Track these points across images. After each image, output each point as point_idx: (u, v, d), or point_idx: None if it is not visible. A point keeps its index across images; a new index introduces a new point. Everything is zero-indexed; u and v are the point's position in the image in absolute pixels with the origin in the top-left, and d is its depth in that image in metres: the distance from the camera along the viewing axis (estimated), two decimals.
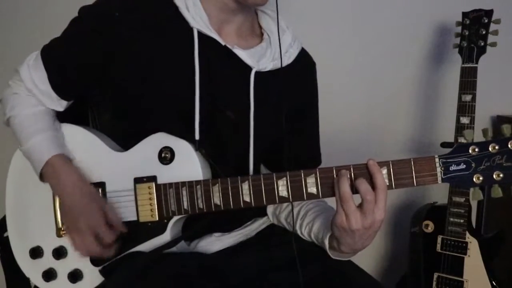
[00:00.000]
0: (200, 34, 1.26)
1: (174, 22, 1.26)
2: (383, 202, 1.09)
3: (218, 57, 1.28)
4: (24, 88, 1.33)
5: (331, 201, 1.22)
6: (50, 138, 1.29)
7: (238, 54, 1.28)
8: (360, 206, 1.10)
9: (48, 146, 1.27)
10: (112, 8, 1.25)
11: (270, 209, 1.51)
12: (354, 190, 1.10)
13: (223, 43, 1.27)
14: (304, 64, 1.44)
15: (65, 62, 1.31)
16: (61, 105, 1.35)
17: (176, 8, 1.26)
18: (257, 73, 1.30)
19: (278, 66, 1.33)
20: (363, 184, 1.09)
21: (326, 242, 1.25)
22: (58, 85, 1.32)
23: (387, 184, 1.10)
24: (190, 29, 1.26)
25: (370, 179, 1.10)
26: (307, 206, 1.39)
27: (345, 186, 1.09)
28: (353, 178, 1.11)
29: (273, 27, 1.37)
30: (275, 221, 1.51)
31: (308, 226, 1.34)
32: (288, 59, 1.36)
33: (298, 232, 1.39)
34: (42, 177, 1.28)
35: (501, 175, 1.05)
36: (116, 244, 1.25)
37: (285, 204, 1.43)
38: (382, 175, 1.09)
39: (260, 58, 1.32)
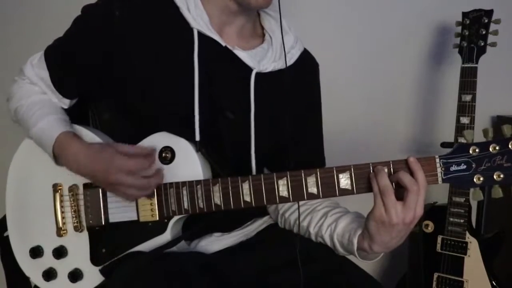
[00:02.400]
0: (200, 34, 1.26)
1: (175, 22, 1.26)
2: (423, 198, 1.09)
3: (218, 58, 1.28)
4: (29, 81, 1.35)
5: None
6: (56, 120, 1.29)
7: (239, 55, 1.28)
8: (403, 199, 1.09)
9: (57, 125, 1.28)
10: (113, 8, 1.25)
11: (274, 209, 1.50)
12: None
13: (223, 44, 1.27)
14: (306, 65, 1.45)
15: (67, 61, 1.31)
16: (64, 103, 1.37)
17: (177, 8, 1.26)
18: (258, 74, 1.30)
19: (279, 67, 1.33)
20: (407, 176, 1.08)
21: (355, 241, 1.23)
22: (60, 84, 1.33)
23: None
24: (190, 30, 1.26)
25: (410, 175, 1.09)
26: (324, 208, 1.37)
27: (385, 179, 1.08)
28: (392, 172, 1.11)
29: (275, 27, 1.37)
30: (282, 222, 1.48)
31: (330, 227, 1.32)
32: (290, 60, 1.36)
33: (312, 234, 1.37)
34: (55, 156, 1.28)
35: (501, 176, 1.05)
36: (156, 172, 1.23)
37: (294, 206, 1.42)
38: (423, 173, 1.08)
39: (261, 59, 1.32)
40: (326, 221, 1.33)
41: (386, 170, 1.10)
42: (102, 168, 1.20)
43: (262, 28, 1.41)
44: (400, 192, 1.09)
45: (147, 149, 1.23)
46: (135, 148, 1.22)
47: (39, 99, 1.34)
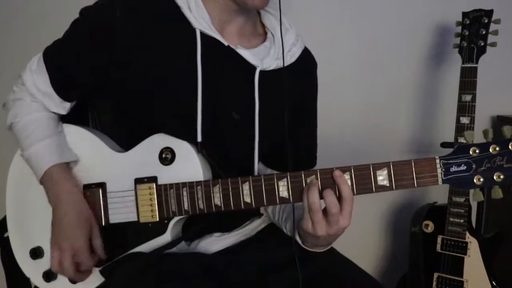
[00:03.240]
0: (203, 34, 1.26)
1: (176, 22, 1.26)
2: (349, 211, 1.12)
3: (221, 57, 1.28)
4: (28, 93, 1.33)
5: None
6: (50, 145, 1.29)
7: (242, 54, 1.28)
8: (326, 216, 1.11)
9: (48, 154, 1.27)
10: (113, 9, 1.24)
11: None
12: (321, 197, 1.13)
13: (226, 43, 1.27)
14: (306, 63, 1.45)
15: (67, 63, 1.31)
16: (64, 107, 1.35)
17: (178, 8, 1.26)
18: (261, 72, 1.30)
19: (281, 65, 1.33)
20: (329, 197, 1.10)
21: (298, 237, 1.26)
22: (60, 87, 1.31)
23: (388, 185, 1.10)
24: (193, 30, 1.26)
25: (337, 188, 1.11)
26: None
27: (314, 197, 1.11)
28: (319, 185, 1.12)
29: (276, 25, 1.37)
30: (263, 211, 1.53)
31: (285, 222, 1.37)
32: (291, 57, 1.36)
33: (274, 222, 1.44)
34: (42, 184, 1.29)
35: (501, 177, 1.05)
36: (90, 273, 1.28)
37: None
38: (348, 186, 1.11)
39: (264, 57, 1.32)
40: (284, 214, 1.39)
41: (319, 183, 1.12)
42: (67, 230, 1.24)
43: (263, 26, 1.41)
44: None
45: (104, 255, 1.27)
46: (100, 249, 1.26)
47: (35, 118, 1.32)
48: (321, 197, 1.11)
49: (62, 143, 1.32)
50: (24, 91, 1.34)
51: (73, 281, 1.28)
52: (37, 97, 1.32)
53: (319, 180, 1.13)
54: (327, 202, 1.10)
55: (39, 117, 1.33)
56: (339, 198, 1.11)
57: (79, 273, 1.25)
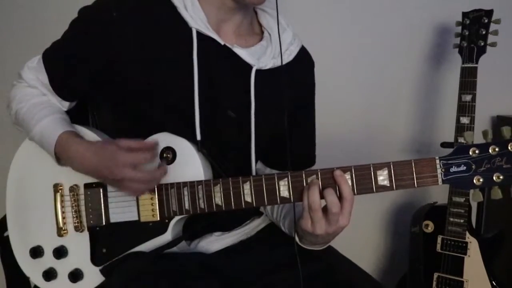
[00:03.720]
0: (199, 34, 1.26)
1: (173, 22, 1.26)
2: (349, 211, 1.12)
3: (218, 56, 1.28)
4: (28, 85, 1.35)
5: None
6: (59, 119, 1.30)
7: (238, 53, 1.28)
8: (326, 214, 1.12)
9: (58, 125, 1.27)
10: (110, 9, 1.25)
11: None
12: (321, 196, 1.13)
13: (222, 43, 1.27)
14: (304, 63, 1.45)
15: (65, 64, 1.31)
16: (63, 105, 1.36)
17: (174, 8, 1.26)
18: (257, 71, 1.30)
19: (278, 64, 1.33)
20: (330, 196, 1.11)
21: (296, 235, 1.26)
22: (59, 87, 1.32)
23: (388, 185, 1.11)
24: (189, 29, 1.26)
25: (337, 187, 1.12)
26: None
27: (315, 196, 1.11)
28: (320, 184, 1.13)
29: (273, 25, 1.38)
30: (263, 210, 1.53)
31: (283, 219, 1.38)
32: (288, 57, 1.36)
33: (273, 220, 1.45)
34: (56, 156, 1.28)
35: (501, 177, 1.06)
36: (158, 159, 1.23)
37: None
38: (348, 186, 1.11)
39: (261, 56, 1.33)
40: (283, 212, 1.39)
41: (320, 183, 1.13)
42: (106, 164, 1.19)
43: (260, 25, 1.41)
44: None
45: (149, 142, 1.22)
46: (136, 143, 1.21)
47: (39, 101, 1.33)
48: (321, 196, 1.11)
49: (69, 122, 1.33)
50: (23, 84, 1.36)
51: (159, 179, 1.23)
52: (38, 88, 1.34)
53: (319, 179, 1.13)
54: (328, 202, 1.10)
55: (43, 99, 1.34)
56: (340, 198, 1.11)
57: (155, 171, 1.21)
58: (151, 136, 1.26)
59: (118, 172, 1.17)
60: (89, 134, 1.33)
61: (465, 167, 1.07)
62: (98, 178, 1.26)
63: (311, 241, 1.22)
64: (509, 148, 1.05)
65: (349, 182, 1.11)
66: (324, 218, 1.12)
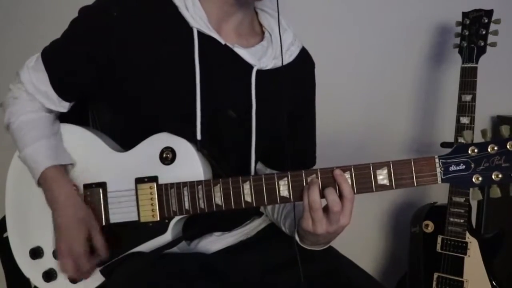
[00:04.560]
0: (200, 33, 1.26)
1: (174, 21, 1.26)
2: (349, 210, 1.12)
3: (219, 56, 1.28)
4: (25, 92, 1.33)
5: None
6: (44, 147, 1.28)
7: (239, 52, 1.28)
8: (327, 213, 1.12)
9: (42, 156, 1.27)
10: (111, 8, 1.24)
11: None
12: (322, 196, 1.13)
13: (223, 42, 1.27)
14: (304, 63, 1.45)
15: (65, 63, 1.31)
16: (63, 106, 1.35)
17: (175, 7, 1.26)
18: (258, 71, 1.30)
19: (279, 64, 1.33)
20: (331, 195, 1.11)
21: (296, 235, 1.26)
22: (59, 87, 1.31)
23: (388, 184, 1.11)
24: (190, 29, 1.26)
25: (337, 187, 1.12)
26: None
27: (315, 195, 1.11)
28: (320, 184, 1.13)
29: (274, 25, 1.38)
30: (263, 210, 1.53)
31: (283, 219, 1.38)
32: (289, 57, 1.36)
33: (273, 221, 1.45)
34: (39, 186, 1.29)
35: (499, 176, 1.06)
36: (92, 272, 1.28)
37: None
38: (348, 185, 1.12)
39: (261, 57, 1.32)
40: (283, 212, 1.39)
41: (319, 182, 1.13)
42: (66, 233, 1.24)
43: (261, 26, 1.41)
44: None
45: (106, 254, 1.27)
46: (101, 248, 1.26)
47: (30, 119, 1.32)
48: (321, 196, 1.12)
49: (58, 145, 1.32)
50: (21, 89, 1.34)
51: (74, 281, 1.28)
52: (35, 95, 1.32)
53: (319, 179, 1.13)
54: (329, 201, 1.10)
55: (34, 118, 1.33)
56: (340, 197, 1.11)
57: (80, 274, 1.26)
58: (150, 137, 1.26)
59: (65, 253, 1.24)
60: (89, 135, 1.33)
61: (464, 166, 1.07)
62: (55, 228, 1.28)
63: (312, 241, 1.22)
64: (508, 147, 1.05)
65: (349, 181, 1.11)
66: (325, 217, 1.12)
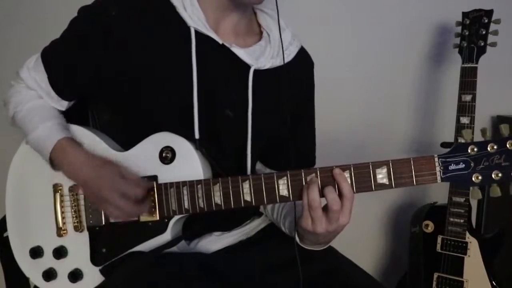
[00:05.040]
0: (198, 33, 1.26)
1: (172, 21, 1.26)
2: (349, 209, 1.12)
3: (216, 56, 1.28)
4: (26, 87, 1.35)
5: None
6: (55, 125, 1.30)
7: (236, 52, 1.28)
8: (326, 212, 1.12)
9: (55, 131, 1.28)
10: (110, 8, 1.25)
11: None
12: (321, 195, 1.13)
13: (220, 42, 1.27)
14: (303, 63, 1.45)
15: (65, 63, 1.31)
16: (61, 105, 1.36)
17: (173, 7, 1.26)
18: (255, 71, 1.30)
19: (277, 64, 1.33)
20: (330, 194, 1.11)
21: (296, 237, 1.26)
22: (58, 86, 1.32)
23: (387, 183, 1.11)
24: (188, 28, 1.26)
25: (337, 186, 1.12)
26: None
27: (315, 194, 1.11)
28: (319, 183, 1.13)
29: (272, 25, 1.38)
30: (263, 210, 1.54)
31: (283, 219, 1.38)
32: (287, 57, 1.36)
33: (273, 221, 1.45)
34: (52, 163, 1.28)
35: (499, 175, 1.06)
36: (146, 200, 1.23)
37: None
38: (348, 184, 1.11)
39: (259, 56, 1.33)
40: (283, 211, 1.39)
41: (319, 181, 1.13)
42: (99, 181, 1.21)
43: (259, 25, 1.41)
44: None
45: (149, 183, 1.24)
46: (137, 178, 1.22)
47: (37, 104, 1.34)
48: (321, 195, 1.12)
49: (66, 127, 1.33)
50: (22, 84, 1.36)
51: (138, 215, 1.25)
52: (37, 89, 1.33)
53: (319, 178, 1.13)
54: (329, 199, 1.10)
55: (40, 103, 1.34)
56: (340, 196, 1.11)
57: (139, 205, 1.22)
58: (149, 137, 1.26)
59: (107, 194, 1.19)
60: (89, 135, 1.33)
61: (464, 165, 1.07)
62: (82, 189, 1.27)
63: (312, 240, 1.22)
64: (508, 145, 1.05)
65: (348, 180, 1.11)
66: (324, 216, 1.12)
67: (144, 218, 1.25)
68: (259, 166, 1.50)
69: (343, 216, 1.12)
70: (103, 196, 1.19)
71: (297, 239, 1.26)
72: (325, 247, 1.27)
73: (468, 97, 1.96)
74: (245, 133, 1.31)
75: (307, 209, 1.12)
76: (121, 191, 1.18)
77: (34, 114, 1.31)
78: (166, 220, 1.24)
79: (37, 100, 1.34)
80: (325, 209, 1.12)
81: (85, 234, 1.30)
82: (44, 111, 1.33)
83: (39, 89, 1.33)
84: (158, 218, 1.24)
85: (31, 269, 1.34)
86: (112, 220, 1.28)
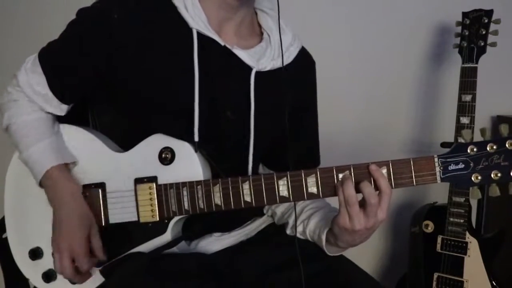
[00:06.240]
0: (200, 34, 1.26)
1: (173, 22, 1.26)
2: (387, 204, 1.11)
3: (218, 57, 1.28)
4: (23, 94, 1.32)
5: (330, 200, 1.23)
6: (47, 147, 1.28)
7: (238, 54, 1.28)
8: (363, 208, 1.11)
9: (46, 156, 1.27)
10: (110, 10, 1.24)
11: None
12: (356, 190, 1.11)
13: (222, 44, 1.27)
14: (304, 63, 1.45)
15: (64, 65, 1.30)
16: (61, 109, 1.34)
17: (174, 8, 1.26)
18: (257, 72, 1.30)
19: (278, 65, 1.33)
20: (367, 188, 1.10)
21: (323, 237, 1.26)
22: (58, 89, 1.31)
23: None
24: (189, 30, 1.26)
25: (373, 182, 1.11)
26: (302, 203, 1.40)
27: (351, 189, 1.10)
28: (353, 179, 1.12)
29: (273, 26, 1.37)
30: (266, 209, 1.53)
31: (303, 223, 1.35)
32: (288, 58, 1.36)
33: (289, 227, 1.42)
34: (42, 186, 1.29)
35: (499, 175, 1.06)
36: (88, 275, 1.28)
37: None
38: (385, 179, 1.11)
39: (260, 58, 1.32)
40: (301, 216, 1.37)
41: (353, 178, 1.12)
42: (67, 232, 1.24)
43: (260, 27, 1.41)
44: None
45: (104, 257, 1.27)
46: (99, 251, 1.26)
47: (32, 118, 1.32)
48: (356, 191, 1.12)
49: (60, 144, 1.32)
50: (19, 92, 1.33)
51: (73, 282, 1.28)
52: (33, 98, 1.31)
53: (352, 175, 1.13)
54: (366, 193, 1.09)
55: (34, 118, 1.32)
56: (376, 190, 1.11)
57: (78, 275, 1.26)
58: (149, 138, 1.26)
59: (63, 245, 1.24)
60: (88, 135, 1.33)
61: (463, 165, 1.08)
62: (53, 226, 1.28)
63: (347, 241, 1.20)
64: (507, 145, 1.05)
65: (352, 184, 1.11)
66: (362, 212, 1.11)
67: (144, 218, 1.25)
68: (260, 169, 1.50)
69: (381, 211, 1.11)
70: (60, 246, 1.24)
71: (323, 245, 1.26)
72: (355, 246, 1.25)
73: (468, 97, 1.96)
74: (247, 135, 1.31)
75: (344, 205, 1.12)
76: (76, 260, 1.24)
77: (27, 130, 1.31)
78: (166, 221, 1.24)
79: (32, 114, 1.32)
80: (362, 205, 1.12)
81: None
82: (38, 127, 1.31)
83: (37, 97, 1.31)
84: (158, 219, 1.24)
85: (31, 270, 1.34)
86: (112, 222, 1.28)
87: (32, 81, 1.30)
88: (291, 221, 1.41)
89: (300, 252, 1.23)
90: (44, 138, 1.29)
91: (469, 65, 1.98)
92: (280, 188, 1.16)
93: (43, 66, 1.30)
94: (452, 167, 1.08)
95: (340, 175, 1.13)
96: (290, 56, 1.37)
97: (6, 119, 1.34)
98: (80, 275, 1.26)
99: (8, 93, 1.36)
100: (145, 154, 1.26)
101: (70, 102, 1.36)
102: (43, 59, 1.31)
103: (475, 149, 1.07)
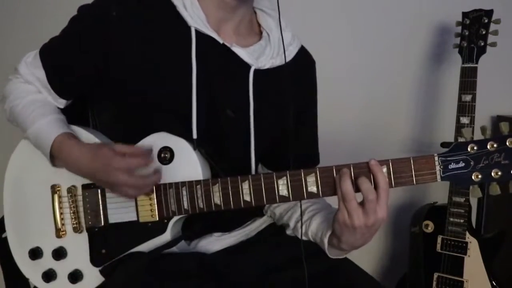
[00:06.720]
0: (198, 33, 1.26)
1: (172, 21, 1.26)
2: (385, 200, 1.10)
3: (216, 55, 1.28)
4: (25, 81, 1.34)
5: (331, 200, 1.23)
6: (54, 120, 1.29)
7: (237, 52, 1.28)
8: (362, 205, 1.11)
9: (55, 126, 1.27)
10: (110, 7, 1.25)
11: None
12: (356, 188, 1.11)
13: (221, 41, 1.27)
14: (303, 62, 1.45)
15: (64, 61, 1.31)
16: (59, 103, 1.35)
17: (173, 7, 1.26)
18: (256, 71, 1.30)
19: (277, 64, 1.33)
20: (365, 184, 1.10)
21: (326, 240, 1.25)
22: (57, 85, 1.32)
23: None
24: (188, 28, 1.26)
25: (372, 178, 1.11)
26: (303, 204, 1.39)
27: (347, 185, 1.10)
28: (353, 177, 1.12)
29: (272, 25, 1.37)
30: (266, 210, 1.53)
31: (305, 224, 1.35)
32: (288, 56, 1.36)
33: (290, 228, 1.41)
34: (52, 158, 1.28)
35: (499, 173, 1.06)
36: (154, 172, 1.22)
37: None
38: (384, 175, 1.10)
39: (259, 56, 1.32)
40: (303, 217, 1.36)
41: (351, 173, 1.12)
42: (101, 168, 1.19)
43: (259, 25, 1.41)
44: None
45: (144, 148, 1.22)
46: (132, 148, 1.21)
47: (35, 98, 1.33)
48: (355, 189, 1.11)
49: (65, 122, 1.33)
50: (20, 79, 1.35)
51: (152, 185, 1.23)
52: (35, 84, 1.33)
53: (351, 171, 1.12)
54: (364, 189, 1.09)
55: (39, 97, 1.34)
56: (375, 187, 1.10)
57: (152, 177, 1.21)
58: (147, 137, 1.26)
59: (112, 177, 1.17)
60: (88, 135, 1.33)
61: (463, 164, 1.07)
62: (94, 181, 1.27)
63: (350, 241, 1.19)
64: (508, 144, 1.05)
65: (350, 179, 1.11)
66: (361, 208, 1.11)
67: (143, 218, 1.25)
68: (259, 168, 1.49)
69: (380, 208, 1.10)
70: (113, 181, 1.19)
71: (325, 248, 1.26)
72: (357, 248, 1.24)
73: (468, 97, 1.96)
74: (247, 133, 1.31)
75: (342, 201, 1.12)
76: (123, 168, 1.17)
77: (33, 108, 1.31)
78: (166, 221, 1.24)
79: (36, 94, 1.34)
80: (361, 202, 1.11)
81: (84, 235, 1.30)
82: (42, 106, 1.32)
83: (38, 83, 1.33)
84: (157, 219, 1.24)
85: (31, 270, 1.34)
86: (112, 221, 1.28)
87: (33, 72, 1.32)
88: (291, 223, 1.40)
89: (301, 252, 1.22)
90: (51, 113, 1.30)
91: (469, 65, 1.98)
92: (280, 188, 1.16)
93: (43, 62, 1.31)
94: (452, 165, 1.08)
95: None
96: (289, 55, 1.37)
97: (10, 101, 1.35)
98: (150, 177, 1.21)
99: (9, 81, 1.38)
100: None
101: (68, 98, 1.37)
102: (43, 54, 1.33)
103: (475, 148, 1.07)
